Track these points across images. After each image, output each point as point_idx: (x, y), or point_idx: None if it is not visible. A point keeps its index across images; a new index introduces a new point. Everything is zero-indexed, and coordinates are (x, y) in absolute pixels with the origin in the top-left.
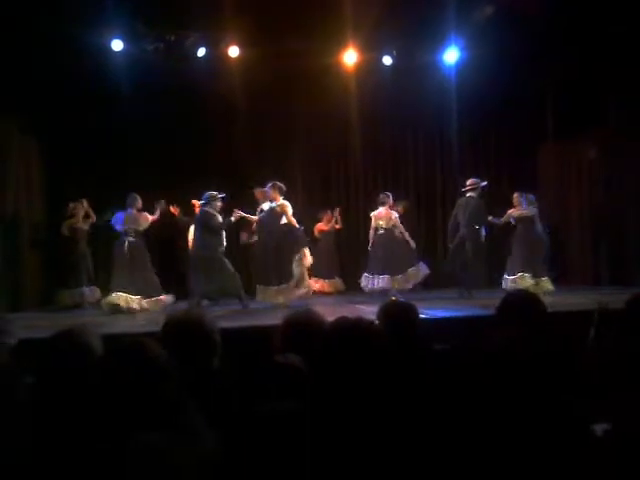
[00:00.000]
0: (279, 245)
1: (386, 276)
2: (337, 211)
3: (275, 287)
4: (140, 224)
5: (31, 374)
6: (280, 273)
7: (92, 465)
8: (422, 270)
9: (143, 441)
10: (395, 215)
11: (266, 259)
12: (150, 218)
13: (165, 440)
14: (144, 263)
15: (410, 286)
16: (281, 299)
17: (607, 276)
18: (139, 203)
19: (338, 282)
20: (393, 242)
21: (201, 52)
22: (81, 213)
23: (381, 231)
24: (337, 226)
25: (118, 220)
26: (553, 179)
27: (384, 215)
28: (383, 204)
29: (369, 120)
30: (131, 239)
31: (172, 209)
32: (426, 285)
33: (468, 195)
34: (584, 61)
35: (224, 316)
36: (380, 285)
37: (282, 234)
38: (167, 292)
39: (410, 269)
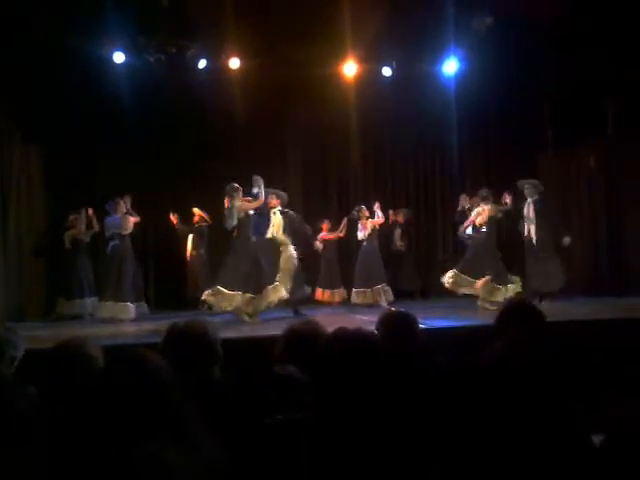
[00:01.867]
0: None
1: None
2: (344, 220)
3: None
4: (124, 228)
5: (33, 385)
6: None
7: (94, 475)
8: (387, 293)
9: (146, 449)
10: (370, 226)
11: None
12: (132, 220)
13: (167, 448)
14: (125, 268)
15: (378, 303)
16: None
17: (608, 285)
18: (122, 207)
19: (342, 292)
20: (368, 256)
21: (202, 64)
22: (82, 224)
23: (364, 243)
24: (340, 234)
25: (106, 227)
26: (553, 188)
27: (360, 229)
28: (359, 219)
29: (369, 131)
30: (115, 243)
31: (172, 217)
32: (425, 295)
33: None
34: (583, 69)
35: (224, 326)
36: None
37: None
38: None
39: (377, 287)
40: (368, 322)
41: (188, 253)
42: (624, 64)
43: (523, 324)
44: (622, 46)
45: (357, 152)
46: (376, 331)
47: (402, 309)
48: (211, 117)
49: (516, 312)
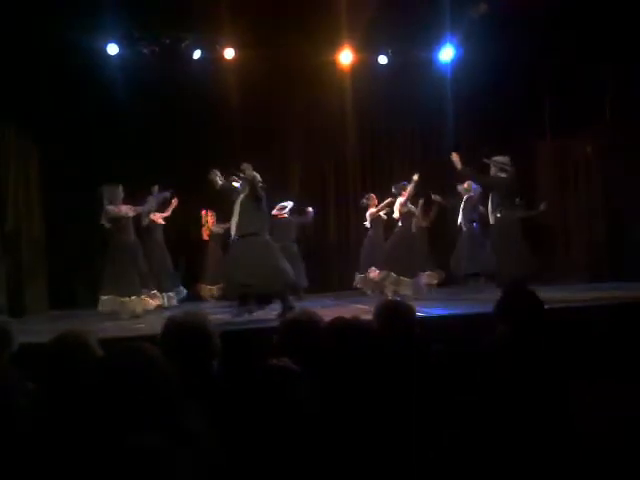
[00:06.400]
0: None
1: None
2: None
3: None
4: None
5: (31, 378)
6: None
7: (89, 467)
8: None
9: (140, 443)
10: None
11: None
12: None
13: (162, 442)
14: (136, 261)
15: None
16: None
17: (606, 273)
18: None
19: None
20: (412, 239)
21: (197, 54)
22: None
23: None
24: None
25: None
26: (550, 177)
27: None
28: (368, 207)
29: (366, 119)
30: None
31: None
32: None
33: None
34: (580, 58)
35: (223, 318)
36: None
37: None
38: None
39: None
40: (368, 311)
41: None
42: (622, 51)
43: (522, 311)
44: (620, 33)
45: (354, 140)
46: (374, 320)
47: (399, 298)
48: (207, 108)
49: (515, 300)
